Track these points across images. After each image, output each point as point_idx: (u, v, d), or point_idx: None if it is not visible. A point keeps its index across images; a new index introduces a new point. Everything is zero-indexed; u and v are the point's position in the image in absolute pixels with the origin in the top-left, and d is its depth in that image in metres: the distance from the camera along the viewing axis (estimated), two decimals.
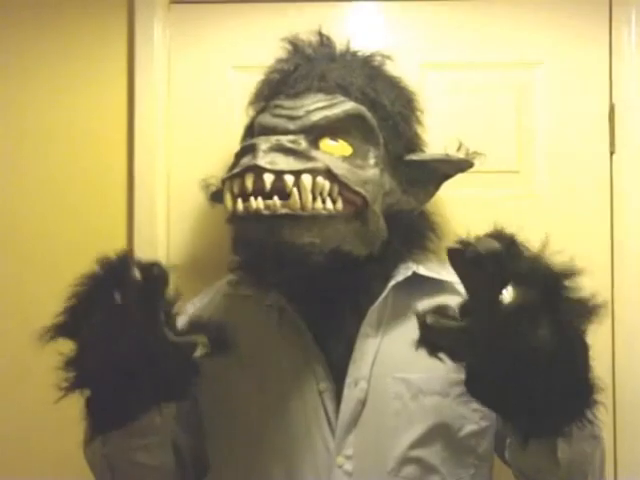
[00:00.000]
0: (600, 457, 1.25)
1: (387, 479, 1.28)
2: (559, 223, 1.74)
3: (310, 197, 1.23)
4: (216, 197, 1.52)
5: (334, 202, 1.26)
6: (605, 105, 1.76)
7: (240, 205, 1.22)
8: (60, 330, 1.11)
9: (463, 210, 1.72)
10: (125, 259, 1.11)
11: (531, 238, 1.68)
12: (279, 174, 1.21)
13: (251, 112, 1.45)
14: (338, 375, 1.32)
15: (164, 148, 1.79)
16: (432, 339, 1.09)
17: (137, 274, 1.08)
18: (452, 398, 1.31)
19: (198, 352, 1.14)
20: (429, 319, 1.08)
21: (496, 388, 1.05)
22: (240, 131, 1.45)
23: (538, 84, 1.77)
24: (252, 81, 1.59)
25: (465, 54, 1.78)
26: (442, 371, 1.30)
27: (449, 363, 1.28)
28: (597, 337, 1.09)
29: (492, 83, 1.77)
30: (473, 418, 1.33)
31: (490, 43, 1.78)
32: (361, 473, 1.28)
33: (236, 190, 1.23)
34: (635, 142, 1.74)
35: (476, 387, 1.09)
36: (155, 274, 1.09)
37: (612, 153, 1.75)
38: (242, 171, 1.23)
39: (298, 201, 1.22)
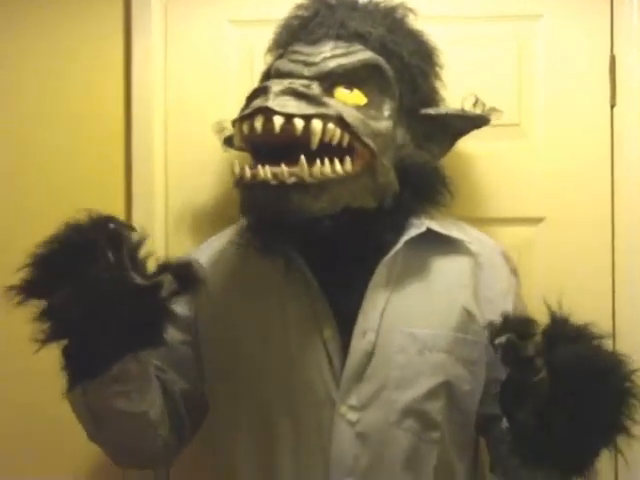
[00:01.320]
0: None
1: (389, 430, 1.30)
2: (559, 175, 1.74)
3: (318, 140, 1.21)
4: (230, 141, 1.51)
5: (342, 162, 1.26)
6: (606, 57, 1.75)
7: (247, 172, 1.22)
8: (29, 290, 1.13)
9: (463, 163, 1.71)
10: (84, 217, 1.13)
11: (531, 191, 1.72)
12: (289, 117, 1.20)
13: (269, 58, 1.44)
14: (344, 326, 1.32)
15: (161, 101, 1.77)
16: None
17: (96, 231, 1.11)
18: (455, 357, 1.32)
19: (164, 292, 1.14)
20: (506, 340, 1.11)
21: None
22: (236, 85, 1.44)
23: (538, 36, 1.76)
24: (248, 35, 1.59)
25: (465, 7, 1.77)
26: (448, 329, 1.33)
27: (458, 323, 1.32)
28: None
29: (492, 36, 1.76)
30: (468, 379, 1.35)
31: None
32: (364, 423, 1.29)
33: (246, 131, 1.22)
34: (636, 95, 1.74)
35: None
36: (112, 229, 1.11)
37: (613, 106, 1.74)
38: (252, 112, 1.22)
39: (306, 168, 1.21)
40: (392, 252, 1.34)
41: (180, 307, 1.34)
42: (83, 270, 1.11)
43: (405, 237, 1.35)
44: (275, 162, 1.21)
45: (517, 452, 1.19)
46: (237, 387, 1.35)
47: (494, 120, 1.47)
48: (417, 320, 1.33)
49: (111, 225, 1.12)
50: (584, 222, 1.74)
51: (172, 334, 1.33)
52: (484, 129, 1.64)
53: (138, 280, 1.13)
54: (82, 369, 1.19)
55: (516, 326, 1.12)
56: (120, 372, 1.21)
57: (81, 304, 1.11)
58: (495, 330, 1.12)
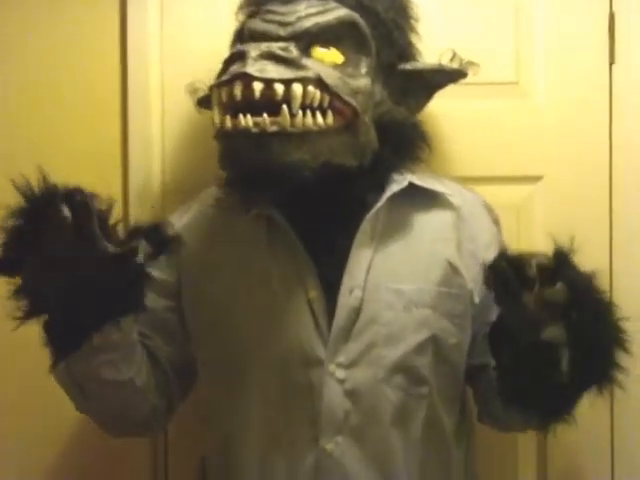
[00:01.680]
0: None
1: (378, 387, 1.30)
2: (558, 134, 1.73)
3: (299, 104, 1.21)
4: (203, 102, 1.50)
5: (324, 115, 1.26)
6: (605, 14, 1.73)
7: (228, 121, 1.22)
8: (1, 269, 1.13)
9: (461, 122, 1.71)
10: (48, 189, 1.12)
11: (529, 150, 1.71)
12: (269, 82, 1.20)
13: (241, 16, 1.42)
14: (329, 286, 1.32)
15: (157, 56, 1.75)
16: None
17: (62, 203, 1.10)
18: (440, 312, 1.33)
19: (138, 258, 1.14)
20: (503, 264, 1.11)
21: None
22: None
23: None
24: None
25: None
26: (432, 284, 1.34)
27: (442, 277, 1.33)
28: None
29: None
30: (454, 332, 1.35)
31: None
32: (353, 381, 1.30)
33: (224, 99, 1.22)
34: (635, 52, 1.72)
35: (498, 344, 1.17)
36: (79, 200, 1.10)
37: (611, 63, 1.73)
38: (231, 79, 1.21)
39: (288, 118, 1.21)
40: (375, 208, 1.34)
41: (161, 272, 1.36)
42: (52, 245, 1.10)
43: (387, 193, 1.35)
44: (258, 112, 1.21)
45: (502, 393, 1.20)
46: (223, 350, 1.35)
47: (491, 78, 1.46)
48: (402, 276, 1.33)
49: (77, 197, 1.11)
50: (582, 180, 1.73)
51: (155, 300, 1.35)
52: (483, 88, 1.64)
53: (111, 248, 1.13)
54: (63, 343, 1.20)
55: (510, 259, 1.12)
56: (102, 342, 1.22)
57: (54, 279, 1.12)
58: (489, 265, 1.13)
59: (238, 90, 1.20)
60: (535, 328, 1.11)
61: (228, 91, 1.21)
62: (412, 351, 1.31)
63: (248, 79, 1.20)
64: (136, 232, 1.17)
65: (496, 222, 1.46)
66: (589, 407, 1.67)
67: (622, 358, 1.16)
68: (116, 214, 1.18)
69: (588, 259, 1.62)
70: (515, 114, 1.74)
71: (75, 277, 1.12)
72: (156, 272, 1.29)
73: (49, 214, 1.09)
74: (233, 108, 1.23)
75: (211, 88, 1.26)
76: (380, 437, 1.30)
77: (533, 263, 1.10)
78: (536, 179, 1.74)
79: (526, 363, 1.13)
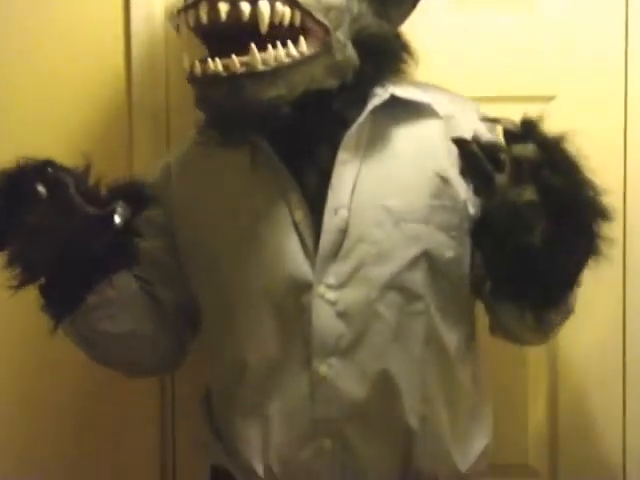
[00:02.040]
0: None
1: (371, 307, 1.29)
2: (571, 52, 1.69)
3: (267, 24, 1.18)
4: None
5: (295, 43, 1.22)
6: None
7: (197, 67, 1.20)
8: None
9: (472, 39, 1.68)
10: (19, 167, 1.16)
11: (542, 68, 1.67)
12: (234, 2, 1.17)
13: None
14: (315, 208, 1.30)
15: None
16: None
17: (35, 180, 1.14)
18: (433, 225, 1.30)
19: (117, 219, 1.17)
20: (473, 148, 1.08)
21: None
22: None
23: None
24: None
25: None
26: (422, 198, 1.30)
27: (433, 190, 1.30)
28: None
29: None
30: (451, 245, 1.32)
31: None
32: (344, 302, 1.28)
33: (191, 22, 1.20)
34: None
35: (482, 238, 1.13)
36: (50, 173, 1.15)
37: None
38: (195, 1, 1.18)
39: (258, 56, 1.18)
40: (356, 123, 1.30)
41: (154, 214, 1.36)
42: (34, 217, 1.15)
43: (369, 107, 1.31)
44: (227, 53, 1.18)
45: (492, 290, 1.18)
46: (214, 281, 1.35)
47: None
48: (390, 192, 1.30)
49: (48, 171, 1.15)
50: (597, 101, 1.69)
51: (151, 245, 1.37)
52: (494, 3, 1.59)
53: (91, 211, 1.16)
54: (59, 306, 1.25)
55: (481, 143, 1.09)
56: (97, 300, 1.26)
57: (41, 247, 1.17)
58: (459, 150, 1.10)
59: (204, 12, 1.18)
60: (512, 207, 1.07)
61: (194, 14, 1.19)
62: (404, 268, 1.29)
63: (214, 1, 1.17)
64: (115, 191, 1.20)
65: (492, 131, 1.41)
66: (601, 328, 1.71)
67: (602, 225, 1.12)
68: (96, 172, 1.22)
69: (602, 181, 1.62)
70: (527, 31, 1.69)
71: (61, 243, 1.17)
72: (149, 214, 1.30)
73: (24, 191, 1.14)
74: (204, 36, 1.21)
75: (178, 12, 1.23)
76: (376, 358, 1.29)
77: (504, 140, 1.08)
78: (548, 99, 1.69)
79: (505, 242, 1.09)
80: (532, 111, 1.61)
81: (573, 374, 1.75)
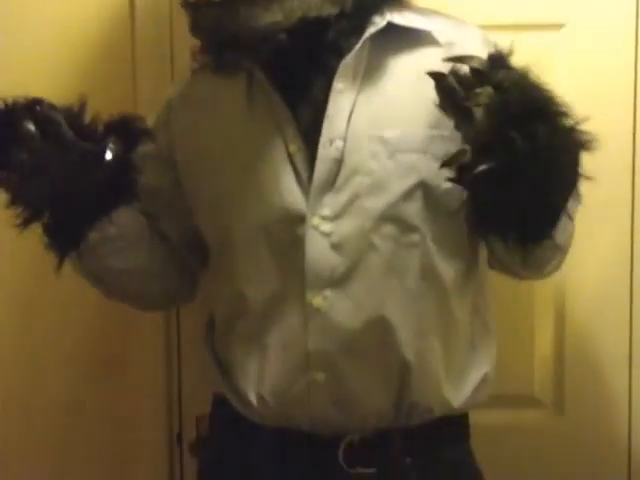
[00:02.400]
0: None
1: (366, 238, 1.28)
2: None
3: None
4: None
5: None
6: None
7: None
8: None
9: None
10: (8, 107, 1.17)
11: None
12: None
13: None
14: (310, 140, 1.28)
15: None
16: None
17: (25, 119, 1.15)
18: (431, 155, 1.28)
19: (108, 154, 1.19)
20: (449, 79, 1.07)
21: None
22: None
23: None
24: None
25: None
26: (420, 128, 1.28)
27: (431, 120, 1.27)
28: None
29: None
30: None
31: None
32: (339, 234, 1.28)
33: None
34: None
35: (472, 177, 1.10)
36: (39, 111, 1.15)
37: None
38: None
39: None
40: (352, 52, 1.28)
41: (156, 149, 1.36)
42: (28, 156, 1.15)
43: (366, 34, 1.28)
44: None
45: (476, 222, 1.16)
46: (212, 214, 1.36)
47: None
48: (386, 122, 1.28)
49: (37, 110, 1.15)
50: (607, 29, 1.66)
51: (156, 180, 1.38)
52: None
53: (85, 147, 1.17)
54: (61, 244, 1.27)
55: (453, 72, 1.08)
56: (99, 237, 1.27)
57: (39, 186, 1.18)
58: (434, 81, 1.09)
59: None
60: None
61: None
62: (399, 199, 1.27)
63: None
64: (108, 127, 1.20)
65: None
66: (608, 261, 1.71)
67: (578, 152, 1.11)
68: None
69: (611, 111, 1.61)
70: None
71: (57, 180, 1.18)
72: (152, 149, 1.32)
73: (16, 131, 1.15)
74: None
75: None
76: (371, 290, 1.28)
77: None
78: (558, 27, 1.67)
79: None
80: (540, 40, 1.64)
81: (580, 308, 1.74)
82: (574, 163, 1.11)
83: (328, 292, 1.27)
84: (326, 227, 1.27)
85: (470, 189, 1.11)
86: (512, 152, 1.05)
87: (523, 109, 1.05)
